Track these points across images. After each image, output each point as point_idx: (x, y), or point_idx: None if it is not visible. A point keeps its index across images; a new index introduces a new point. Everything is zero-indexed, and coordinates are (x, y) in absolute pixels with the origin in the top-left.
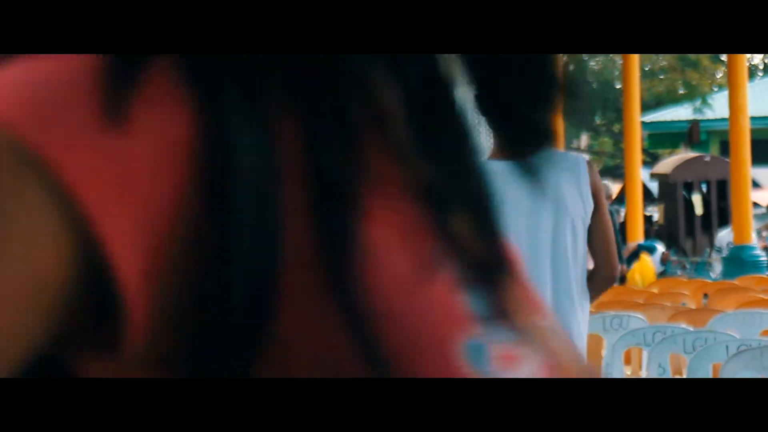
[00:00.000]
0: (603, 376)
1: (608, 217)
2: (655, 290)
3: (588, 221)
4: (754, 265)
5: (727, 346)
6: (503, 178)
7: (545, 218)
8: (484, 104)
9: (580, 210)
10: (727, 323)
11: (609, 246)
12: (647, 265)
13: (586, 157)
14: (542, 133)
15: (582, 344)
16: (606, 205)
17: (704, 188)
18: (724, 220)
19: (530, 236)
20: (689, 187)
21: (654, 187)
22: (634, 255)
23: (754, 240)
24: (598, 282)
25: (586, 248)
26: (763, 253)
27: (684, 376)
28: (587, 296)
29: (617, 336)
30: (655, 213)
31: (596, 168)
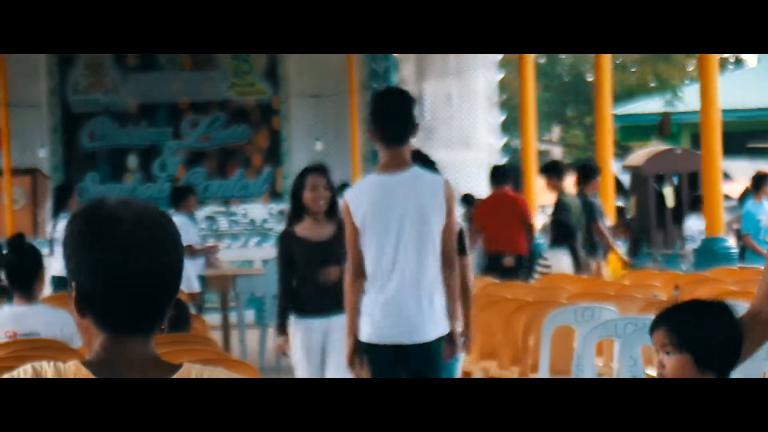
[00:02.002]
0: (574, 367)
1: (455, 220)
2: (627, 282)
3: (443, 223)
4: (725, 257)
5: None
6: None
7: (413, 215)
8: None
9: (438, 215)
10: None
11: (451, 242)
12: (617, 257)
13: (443, 177)
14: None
15: (438, 312)
16: (454, 212)
17: (675, 180)
18: (693, 211)
19: (399, 226)
20: (660, 180)
21: (625, 179)
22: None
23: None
24: (446, 262)
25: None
26: (734, 245)
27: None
28: (439, 275)
29: (589, 327)
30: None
31: (450, 185)
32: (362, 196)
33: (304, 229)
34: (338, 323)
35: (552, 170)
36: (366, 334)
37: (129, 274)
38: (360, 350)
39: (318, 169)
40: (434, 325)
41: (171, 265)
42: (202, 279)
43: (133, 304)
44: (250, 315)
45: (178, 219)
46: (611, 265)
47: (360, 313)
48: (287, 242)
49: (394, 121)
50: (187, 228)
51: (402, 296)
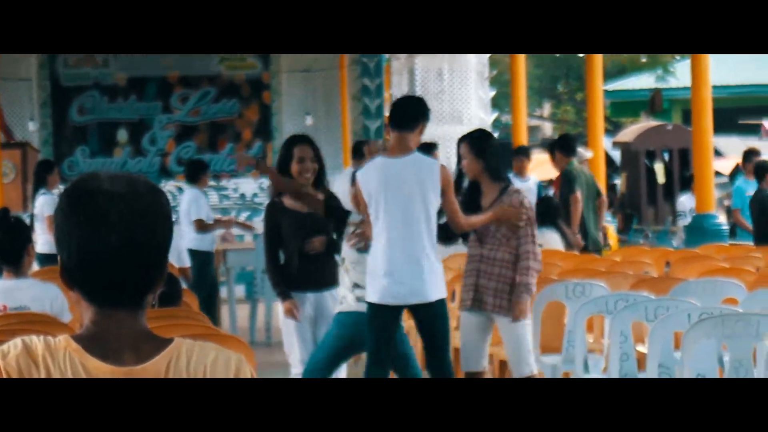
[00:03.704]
0: (565, 343)
1: (452, 197)
2: (618, 258)
3: (439, 200)
4: (716, 234)
5: (688, 314)
6: (394, 167)
7: (417, 193)
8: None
9: (434, 192)
10: (688, 291)
11: (451, 212)
12: (610, 234)
13: (438, 160)
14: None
15: (436, 276)
16: (450, 185)
17: (666, 157)
18: (686, 188)
19: (406, 204)
20: (651, 156)
21: (616, 155)
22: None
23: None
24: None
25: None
26: (725, 222)
27: (645, 344)
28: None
29: (579, 304)
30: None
31: (446, 169)
32: (370, 176)
33: (291, 200)
34: (329, 297)
35: (563, 145)
36: (373, 297)
37: (104, 248)
38: None
39: (305, 140)
40: (435, 288)
41: (152, 239)
42: (192, 253)
43: (113, 278)
44: (240, 290)
45: (193, 193)
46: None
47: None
48: (274, 213)
49: (402, 110)
50: (200, 202)
51: (402, 262)
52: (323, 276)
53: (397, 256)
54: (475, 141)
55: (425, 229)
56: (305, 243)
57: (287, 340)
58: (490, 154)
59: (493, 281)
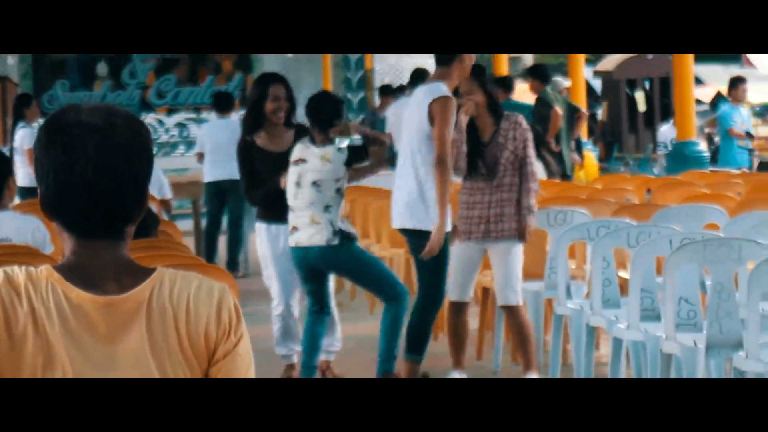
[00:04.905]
0: (547, 270)
1: (440, 124)
2: (599, 186)
3: (428, 125)
4: (697, 161)
5: (670, 240)
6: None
7: (418, 117)
8: None
9: (425, 117)
10: (670, 217)
11: (437, 138)
12: (591, 162)
13: (441, 91)
14: None
15: (430, 205)
16: (439, 117)
17: (647, 85)
18: (666, 118)
19: (411, 125)
20: (632, 85)
21: (597, 84)
22: None
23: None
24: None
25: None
26: (705, 149)
27: (627, 270)
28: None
29: (561, 231)
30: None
31: (442, 100)
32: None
33: (263, 139)
34: None
35: (537, 73)
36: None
37: (80, 180)
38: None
39: (279, 79)
40: (422, 216)
41: (129, 171)
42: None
43: (91, 209)
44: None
45: (235, 122)
46: (586, 170)
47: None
48: (249, 152)
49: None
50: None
51: (398, 192)
52: None
53: (396, 188)
54: (479, 75)
55: (418, 159)
56: (281, 180)
57: (265, 273)
58: (490, 86)
59: (500, 207)
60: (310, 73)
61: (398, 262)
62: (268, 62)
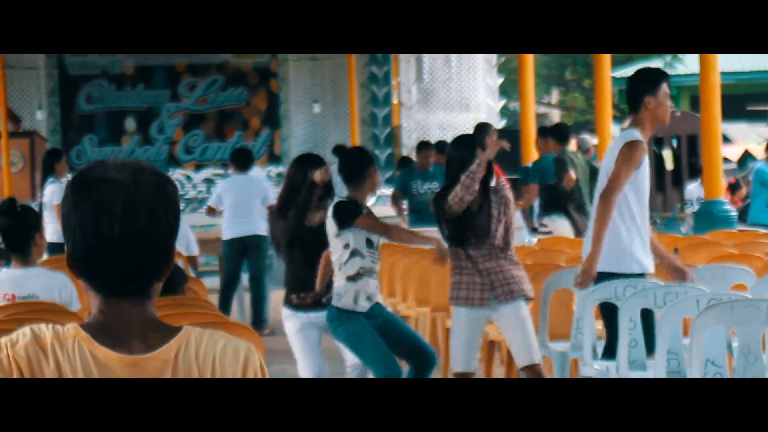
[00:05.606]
0: (574, 331)
1: (620, 162)
2: None
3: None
4: (724, 220)
5: (697, 301)
6: None
7: (609, 163)
8: None
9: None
10: (697, 278)
11: (612, 173)
12: None
13: (632, 136)
14: None
15: None
16: (621, 159)
17: (674, 143)
18: (694, 176)
19: (603, 170)
20: (660, 143)
21: None
22: None
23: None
24: None
25: None
26: (733, 208)
27: (655, 330)
28: None
29: (588, 291)
30: None
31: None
32: None
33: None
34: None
35: (557, 133)
36: None
37: (107, 239)
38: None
39: (321, 163)
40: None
41: (156, 229)
42: None
43: (117, 268)
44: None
45: (257, 178)
46: None
47: None
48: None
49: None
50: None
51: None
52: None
53: None
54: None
55: None
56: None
57: (296, 350)
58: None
59: (500, 272)
60: (337, 130)
61: (423, 322)
62: (296, 120)
